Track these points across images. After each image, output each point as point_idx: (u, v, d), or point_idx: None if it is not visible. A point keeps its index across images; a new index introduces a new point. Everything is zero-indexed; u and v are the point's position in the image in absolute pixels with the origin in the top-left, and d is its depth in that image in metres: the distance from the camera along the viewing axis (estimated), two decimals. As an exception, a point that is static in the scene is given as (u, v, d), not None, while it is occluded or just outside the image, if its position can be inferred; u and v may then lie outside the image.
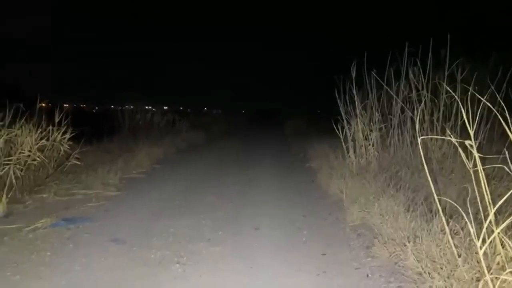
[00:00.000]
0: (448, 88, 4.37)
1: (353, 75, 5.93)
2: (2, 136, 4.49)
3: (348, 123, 6.18)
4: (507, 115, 2.07)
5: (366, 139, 5.92)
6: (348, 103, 6.11)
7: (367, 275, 2.72)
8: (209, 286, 2.60)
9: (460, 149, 2.25)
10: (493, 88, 3.36)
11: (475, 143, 2.01)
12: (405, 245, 2.78)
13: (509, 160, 2.03)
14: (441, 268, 2.36)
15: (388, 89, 5.88)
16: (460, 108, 2.29)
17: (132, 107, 13.00)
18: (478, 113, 2.43)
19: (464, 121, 2.19)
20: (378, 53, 6.38)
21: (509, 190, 1.97)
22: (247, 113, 30.87)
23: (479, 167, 2.04)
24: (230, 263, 2.93)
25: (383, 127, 6.03)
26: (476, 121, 2.29)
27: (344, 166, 5.84)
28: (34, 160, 4.64)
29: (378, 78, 5.94)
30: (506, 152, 2.13)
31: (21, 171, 4.43)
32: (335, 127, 6.24)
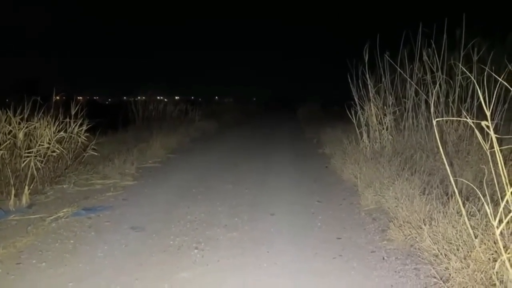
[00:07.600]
0: (464, 69, 4.28)
1: (366, 58, 5.86)
2: (22, 129, 4.60)
3: (361, 107, 6.13)
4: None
5: (380, 123, 5.87)
6: (361, 88, 6.05)
7: (383, 258, 2.75)
8: (227, 270, 2.66)
9: (476, 131, 2.23)
10: (510, 67, 3.28)
11: (492, 124, 1.99)
12: (421, 228, 2.79)
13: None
14: (458, 250, 2.37)
15: (402, 72, 5.79)
16: (476, 89, 2.26)
17: (144, 98, 13.11)
18: (495, 93, 2.39)
19: (480, 102, 2.16)
20: (391, 35, 6.26)
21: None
22: (258, 101, 30.74)
23: (496, 148, 2.02)
24: (247, 248, 3.00)
25: (397, 111, 5.97)
26: (493, 102, 2.26)
27: (357, 151, 5.82)
28: (53, 152, 4.74)
29: (391, 61, 5.86)
30: (524, 132, 2.11)
31: (41, 163, 4.54)
32: (348, 112, 6.20)
